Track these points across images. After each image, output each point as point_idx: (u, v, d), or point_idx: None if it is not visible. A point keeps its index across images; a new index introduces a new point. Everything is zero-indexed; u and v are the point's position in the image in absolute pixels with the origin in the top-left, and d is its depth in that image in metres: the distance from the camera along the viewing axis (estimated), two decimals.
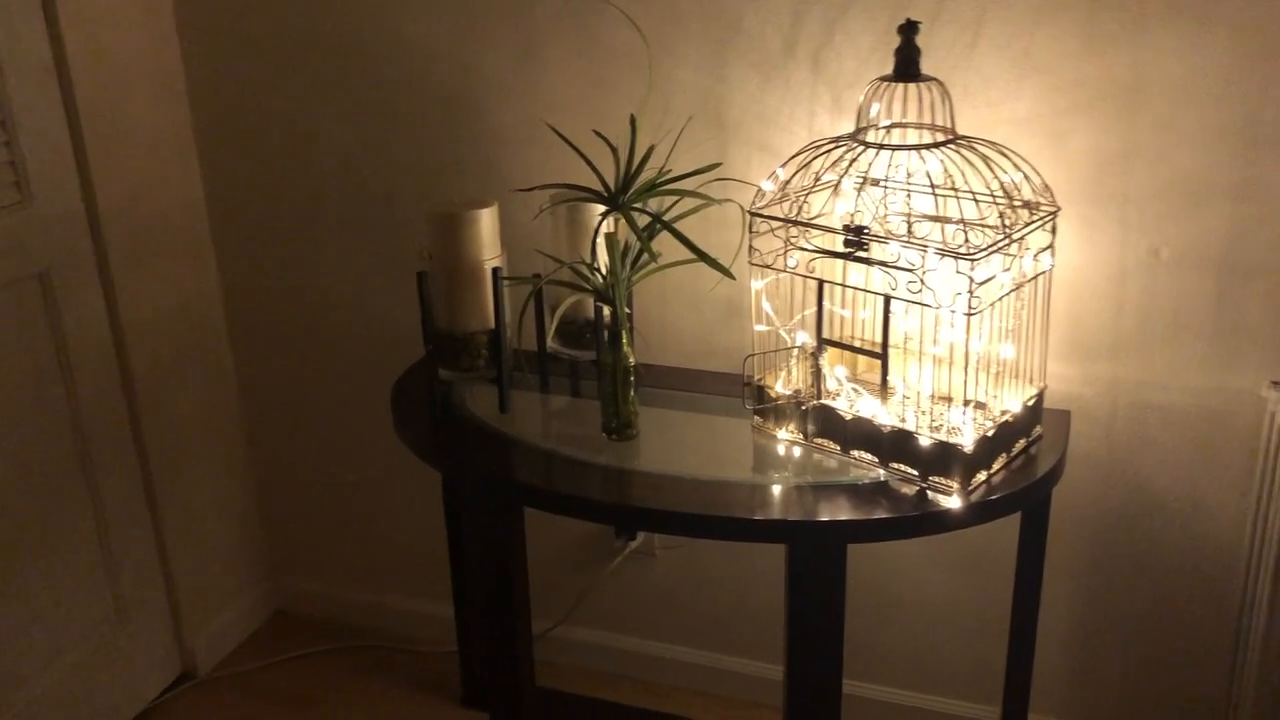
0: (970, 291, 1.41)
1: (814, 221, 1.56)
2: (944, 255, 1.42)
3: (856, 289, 1.61)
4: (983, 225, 1.46)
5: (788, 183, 1.59)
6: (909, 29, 1.51)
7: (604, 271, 1.64)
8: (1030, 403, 1.59)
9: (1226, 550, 1.79)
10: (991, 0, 1.65)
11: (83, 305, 2.02)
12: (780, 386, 1.67)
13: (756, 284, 1.64)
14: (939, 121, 1.53)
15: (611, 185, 1.63)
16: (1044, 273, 1.57)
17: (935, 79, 1.52)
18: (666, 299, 1.97)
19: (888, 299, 1.51)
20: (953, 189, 1.48)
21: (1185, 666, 1.88)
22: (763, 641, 2.17)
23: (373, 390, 2.23)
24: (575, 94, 1.92)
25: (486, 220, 1.76)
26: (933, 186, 1.49)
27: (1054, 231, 1.55)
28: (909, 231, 1.54)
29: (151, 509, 2.21)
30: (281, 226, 2.23)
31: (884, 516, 1.47)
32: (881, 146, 1.51)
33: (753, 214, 1.60)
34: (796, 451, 1.64)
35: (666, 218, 1.61)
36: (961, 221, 1.44)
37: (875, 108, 1.54)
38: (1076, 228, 1.70)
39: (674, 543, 2.16)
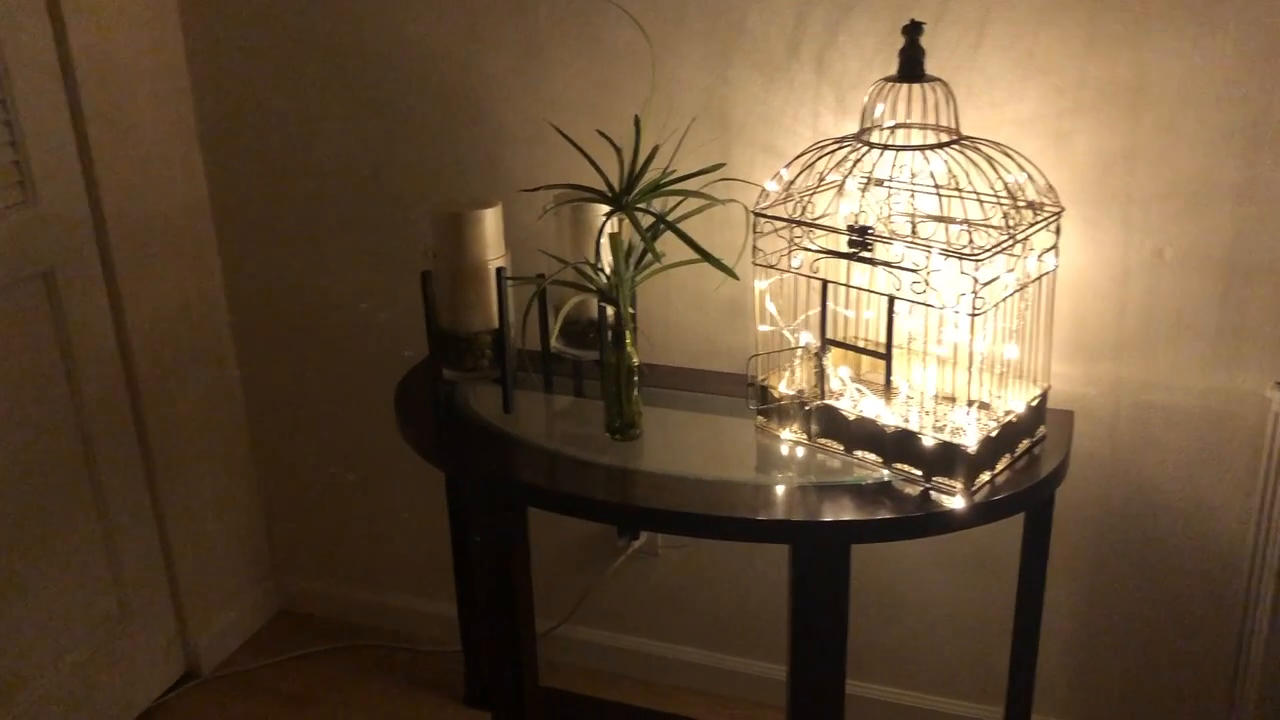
0: (974, 292, 1.41)
1: (818, 222, 1.56)
2: (948, 256, 1.43)
3: (861, 289, 1.61)
4: (987, 226, 1.46)
5: (792, 183, 1.59)
6: (913, 30, 1.51)
7: (608, 271, 1.64)
8: (1034, 403, 1.59)
9: (1230, 550, 1.79)
10: (995, 1, 1.65)
11: (87, 305, 2.02)
12: (784, 387, 1.67)
13: (760, 284, 1.64)
14: (943, 122, 1.53)
15: (615, 185, 1.63)
16: (1048, 273, 1.57)
17: (939, 79, 1.52)
18: (670, 299, 1.97)
19: (892, 299, 1.51)
20: (957, 189, 1.48)
21: (1188, 667, 1.89)
22: (765, 641, 2.17)
23: (376, 390, 2.23)
24: (579, 94, 1.92)
25: (490, 220, 1.76)
26: (937, 187, 1.49)
27: (1058, 232, 1.55)
28: (913, 232, 1.54)
29: (155, 508, 2.21)
30: (285, 226, 2.23)
31: (887, 517, 1.47)
32: (886, 147, 1.51)
33: (757, 214, 1.60)
34: (800, 452, 1.64)
35: (670, 218, 1.61)
36: (965, 222, 1.44)
37: (880, 108, 1.54)
38: (1080, 228, 1.70)
39: (677, 542, 2.16)
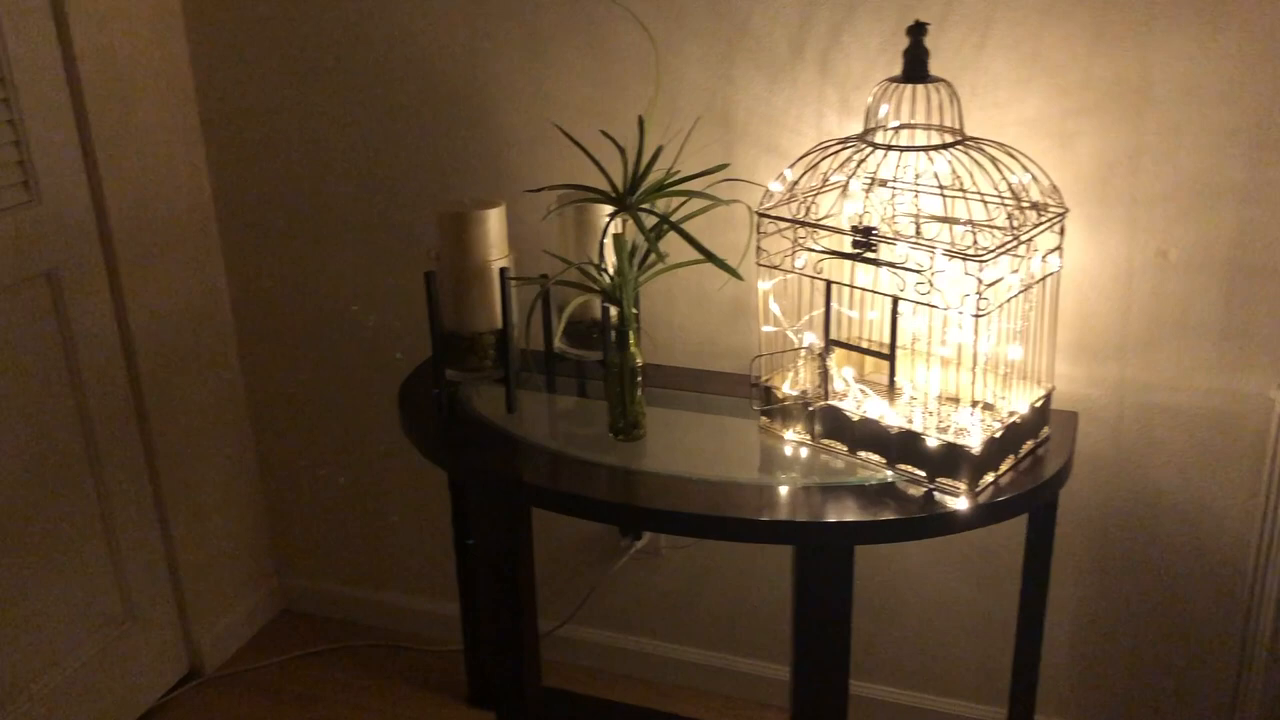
0: (978, 293, 1.41)
1: (822, 222, 1.56)
2: (952, 256, 1.42)
3: (864, 290, 1.60)
4: (991, 226, 1.46)
5: (796, 183, 1.59)
6: (918, 30, 1.51)
7: (611, 272, 1.64)
8: (1038, 404, 1.59)
9: (1233, 551, 1.79)
10: (1000, 1, 1.65)
11: (90, 304, 2.02)
12: (787, 387, 1.67)
13: (764, 285, 1.64)
14: (947, 123, 1.53)
15: (619, 186, 1.63)
16: (1052, 274, 1.57)
17: (944, 80, 1.52)
18: (674, 299, 1.97)
19: (896, 300, 1.50)
20: (961, 190, 1.48)
21: (1192, 667, 1.88)
22: (768, 641, 2.17)
23: (380, 390, 2.24)
24: (583, 94, 1.92)
25: (494, 220, 1.76)
26: (941, 188, 1.49)
27: (1062, 233, 1.55)
28: (917, 232, 1.54)
29: (158, 508, 2.22)
30: (289, 226, 2.23)
31: (891, 518, 1.47)
32: (890, 147, 1.51)
33: (761, 215, 1.60)
34: (804, 452, 1.64)
35: (674, 218, 1.61)
36: (970, 223, 1.44)
37: (884, 109, 1.54)
38: (1084, 229, 1.70)
39: (679, 543, 2.16)
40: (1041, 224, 1.50)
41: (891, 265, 1.49)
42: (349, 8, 2.02)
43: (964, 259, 1.41)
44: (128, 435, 2.13)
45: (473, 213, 1.74)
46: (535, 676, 1.92)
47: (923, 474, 1.52)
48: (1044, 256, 1.53)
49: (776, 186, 1.61)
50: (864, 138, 1.55)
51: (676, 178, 1.65)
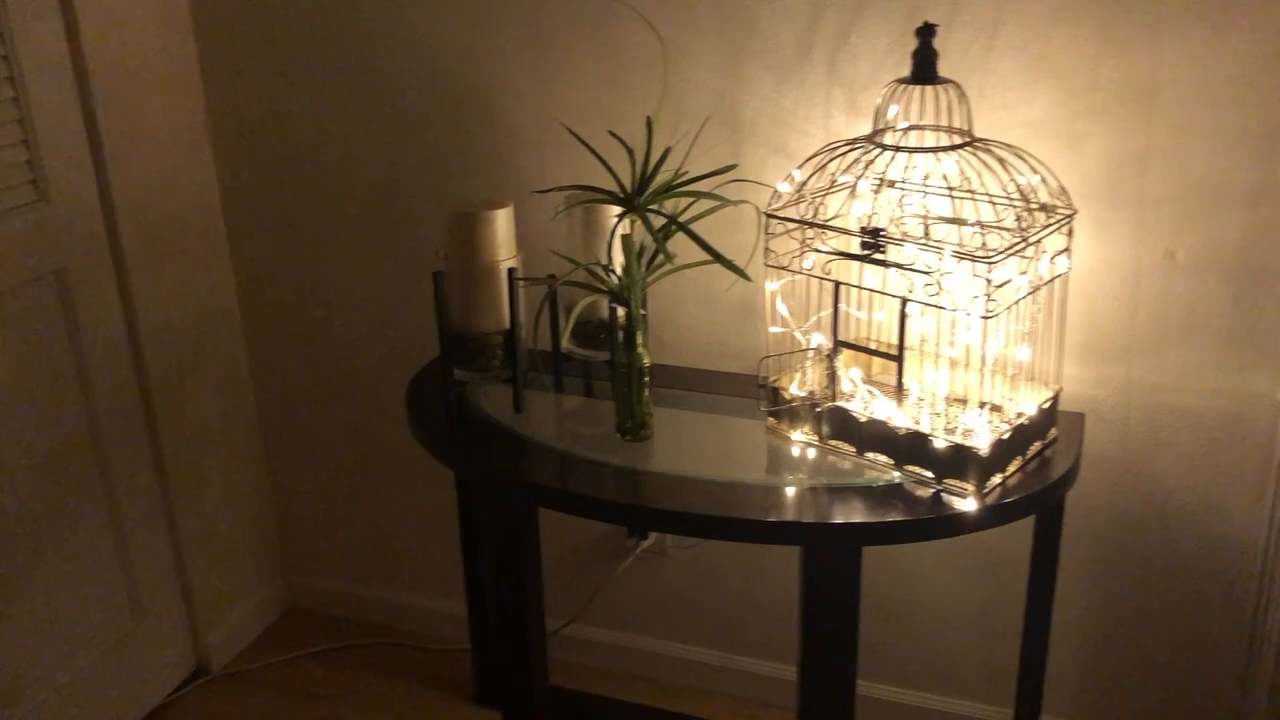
0: (987, 294, 1.41)
1: (830, 223, 1.56)
2: (961, 258, 1.42)
3: (872, 291, 1.60)
4: (999, 228, 1.46)
5: (804, 184, 1.59)
6: (926, 32, 1.51)
7: (619, 272, 1.64)
8: (1045, 405, 1.59)
9: (1240, 552, 1.79)
10: (1008, 2, 1.65)
11: (99, 303, 2.02)
12: (795, 388, 1.67)
13: (771, 285, 1.64)
14: (955, 124, 1.53)
15: (627, 186, 1.63)
16: (1060, 275, 1.57)
17: (952, 81, 1.52)
18: (681, 300, 1.98)
19: (904, 301, 1.50)
20: (969, 191, 1.48)
21: (1199, 669, 1.88)
22: (775, 641, 2.17)
23: (387, 389, 2.24)
24: (591, 95, 1.92)
25: (502, 221, 1.76)
26: (949, 189, 1.49)
27: (1070, 234, 1.55)
28: (925, 234, 1.54)
29: (166, 506, 2.22)
30: (297, 226, 2.24)
31: (899, 519, 1.47)
32: (898, 149, 1.51)
33: (769, 215, 1.60)
34: (811, 453, 1.64)
35: (682, 219, 1.62)
36: (978, 224, 1.44)
37: (893, 110, 1.54)
38: (1092, 230, 1.70)
39: (685, 542, 2.16)
40: (1050, 225, 1.50)
41: (900, 266, 1.49)
42: (358, 9, 2.03)
43: (972, 260, 1.41)
44: (136, 433, 2.13)
45: (481, 213, 1.74)
46: (542, 675, 1.92)
47: (930, 475, 1.52)
48: (1052, 258, 1.53)
49: (784, 187, 1.61)
50: (872, 139, 1.55)
51: (684, 178, 1.65)
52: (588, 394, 1.86)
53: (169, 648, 2.28)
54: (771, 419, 1.69)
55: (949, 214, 1.50)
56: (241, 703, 2.28)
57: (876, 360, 1.65)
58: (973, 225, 1.45)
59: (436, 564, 2.38)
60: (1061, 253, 1.55)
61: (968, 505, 1.48)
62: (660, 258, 1.62)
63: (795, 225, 1.57)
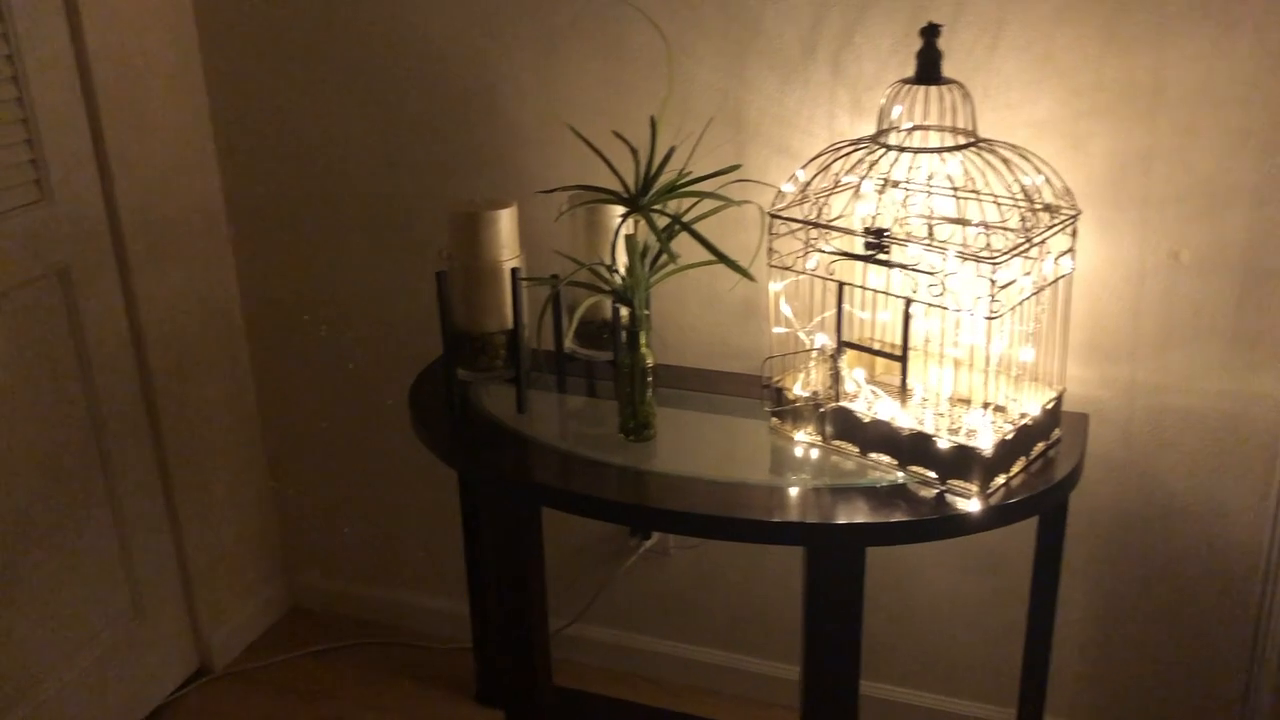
0: (991, 295, 1.41)
1: (834, 224, 1.56)
2: (965, 258, 1.42)
3: (876, 291, 1.60)
4: (1003, 228, 1.46)
5: (808, 184, 1.59)
6: (931, 32, 1.50)
7: (623, 272, 1.64)
8: (1049, 406, 1.59)
9: (1244, 553, 1.79)
10: (1012, 3, 1.65)
11: (102, 302, 2.03)
12: (799, 388, 1.67)
13: (775, 286, 1.64)
14: (960, 124, 1.52)
15: (631, 187, 1.63)
16: (1064, 276, 1.56)
17: (956, 81, 1.52)
18: (685, 300, 1.97)
19: (908, 301, 1.50)
20: (973, 192, 1.48)
21: (1202, 669, 1.88)
22: (778, 641, 2.17)
23: (390, 389, 2.24)
24: (594, 94, 1.92)
25: (506, 221, 1.76)
26: (954, 189, 1.49)
27: (1074, 234, 1.55)
28: (930, 234, 1.54)
29: (168, 505, 2.22)
30: (300, 225, 2.24)
31: (902, 519, 1.47)
32: (902, 149, 1.51)
33: (772, 216, 1.60)
34: (814, 453, 1.64)
35: (686, 219, 1.61)
36: (982, 224, 1.44)
37: (897, 110, 1.54)
38: (1096, 231, 1.69)
39: (688, 542, 2.16)
40: (1054, 226, 1.50)
41: (904, 267, 1.49)
42: (361, 8, 2.03)
43: (977, 261, 1.41)
44: (138, 432, 2.13)
45: (484, 213, 1.74)
46: (544, 675, 1.92)
47: (934, 475, 1.52)
48: (1056, 258, 1.53)
49: (788, 187, 1.61)
50: (876, 139, 1.55)
51: (688, 178, 1.65)
52: (591, 394, 1.86)
53: (171, 647, 2.28)
54: (775, 419, 1.69)
55: (953, 214, 1.50)
56: (244, 702, 2.28)
57: (880, 361, 1.65)
58: (977, 226, 1.45)
59: (439, 563, 2.38)
60: (1065, 253, 1.55)
61: (971, 506, 1.48)
62: (664, 258, 1.62)
63: (799, 225, 1.57)
